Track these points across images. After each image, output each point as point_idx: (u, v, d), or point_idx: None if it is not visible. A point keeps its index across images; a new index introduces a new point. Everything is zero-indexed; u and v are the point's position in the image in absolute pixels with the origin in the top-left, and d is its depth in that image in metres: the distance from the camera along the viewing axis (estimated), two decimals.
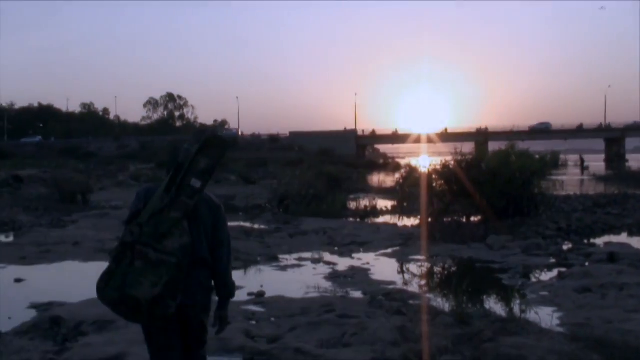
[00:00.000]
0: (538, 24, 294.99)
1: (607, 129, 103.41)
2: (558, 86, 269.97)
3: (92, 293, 8.60)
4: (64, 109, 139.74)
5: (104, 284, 3.79)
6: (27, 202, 25.34)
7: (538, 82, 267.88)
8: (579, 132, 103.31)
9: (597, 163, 77.38)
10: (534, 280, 10.55)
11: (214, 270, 4.06)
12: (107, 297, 3.77)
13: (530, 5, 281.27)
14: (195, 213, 3.88)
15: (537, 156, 22.25)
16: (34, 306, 8.71)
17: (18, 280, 10.62)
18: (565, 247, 13.43)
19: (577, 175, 51.18)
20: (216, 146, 3.90)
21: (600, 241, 14.52)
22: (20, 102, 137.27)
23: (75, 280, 11.01)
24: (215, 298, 4.11)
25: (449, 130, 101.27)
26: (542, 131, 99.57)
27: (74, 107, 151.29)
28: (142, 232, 3.68)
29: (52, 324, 7.57)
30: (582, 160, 69.00)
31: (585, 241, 14.41)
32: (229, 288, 4.13)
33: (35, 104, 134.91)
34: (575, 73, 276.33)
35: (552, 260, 12.03)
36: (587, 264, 11.46)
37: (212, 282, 4.08)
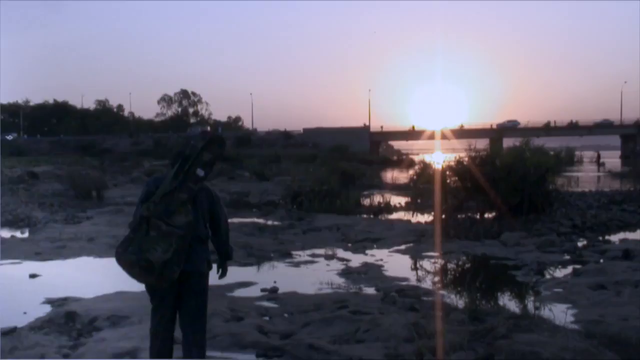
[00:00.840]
0: (554, 20, 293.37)
1: (623, 126, 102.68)
2: (571, 82, 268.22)
3: (107, 289, 8.77)
4: (78, 106, 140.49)
5: (122, 249, 4.63)
6: (42, 198, 25.49)
7: (553, 78, 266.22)
8: (595, 128, 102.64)
9: (613, 159, 76.90)
10: (548, 277, 10.51)
11: (216, 240, 5.19)
12: (125, 260, 4.60)
13: (545, 1, 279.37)
14: (196, 199, 4.86)
15: (551, 153, 22.15)
16: (49, 301, 8.76)
17: (33, 276, 10.70)
18: (579, 244, 13.36)
19: (592, 172, 50.86)
20: (218, 144, 4.97)
21: (615, 238, 14.44)
22: (36, 99, 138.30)
23: (89, 276, 11.07)
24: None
25: (463, 127, 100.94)
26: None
27: (89, 103, 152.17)
28: (156, 209, 4.63)
29: (67, 319, 7.62)
30: (599, 157, 68.53)
31: (600, 238, 14.31)
32: (228, 252, 5.32)
33: (51, 101, 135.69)
34: (589, 69, 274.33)
35: (567, 257, 11.98)
36: (601, 260, 11.40)
37: (207, 253, 5.06)
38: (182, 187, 4.72)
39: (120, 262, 4.64)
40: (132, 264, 4.57)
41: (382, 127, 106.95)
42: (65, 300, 8.74)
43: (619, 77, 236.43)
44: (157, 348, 5.03)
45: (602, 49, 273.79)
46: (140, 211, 4.69)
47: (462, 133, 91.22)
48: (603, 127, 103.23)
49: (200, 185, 4.86)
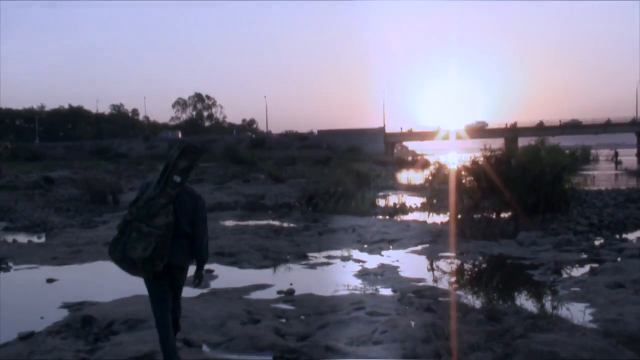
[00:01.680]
0: (567, 19, 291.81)
1: (637, 123, 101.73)
2: (587, 80, 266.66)
3: (123, 293, 8.83)
4: (93, 111, 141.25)
5: (112, 247, 5.37)
6: (58, 203, 25.66)
7: (568, 77, 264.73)
8: (609, 126, 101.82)
9: (629, 157, 76.36)
10: (565, 276, 10.45)
11: (193, 240, 5.56)
12: (114, 257, 5.36)
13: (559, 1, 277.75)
14: (180, 200, 5.47)
15: (567, 151, 22.02)
16: (66, 306, 8.81)
17: (50, 280, 10.75)
18: (597, 243, 13.27)
19: (608, 170, 50.52)
20: (191, 152, 5.54)
21: (632, 236, 14.34)
22: (51, 105, 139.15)
23: (106, 280, 11.09)
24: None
25: (478, 127, 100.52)
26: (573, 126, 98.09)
27: (104, 108, 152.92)
28: (139, 213, 5.31)
29: (84, 323, 7.65)
30: (617, 155, 67.96)
31: (618, 236, 14.22)
32: (203, 255, 5.65)
33: (66, 106, 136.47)
34: (604, 67, 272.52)
35: (584, 256, 11.90)
36: (619, 259, 11.32)
37: (192, 249, 5.58)
38: (163, 192, 5.38)
39: (111, 258, 5.43)
40: (119, 260, 5.34)
41: (402, 128, 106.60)
42: (82, 304, 8.79)
43: (634, 75, 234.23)
44: (168, 344, 5.60)
45: (618, 46, 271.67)
46: (126, 214, 5.40)
47: (476, 133, 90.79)
48: (617, 125, 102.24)
49: (179, 190, 5.44)
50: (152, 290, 5.56)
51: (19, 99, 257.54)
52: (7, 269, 11.83)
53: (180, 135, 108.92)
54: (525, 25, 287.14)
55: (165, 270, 5.39)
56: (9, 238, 16.08)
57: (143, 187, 5.58)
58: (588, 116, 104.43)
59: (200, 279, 5.76)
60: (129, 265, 5.30)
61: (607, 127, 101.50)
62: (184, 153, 5.48)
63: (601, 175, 40.12)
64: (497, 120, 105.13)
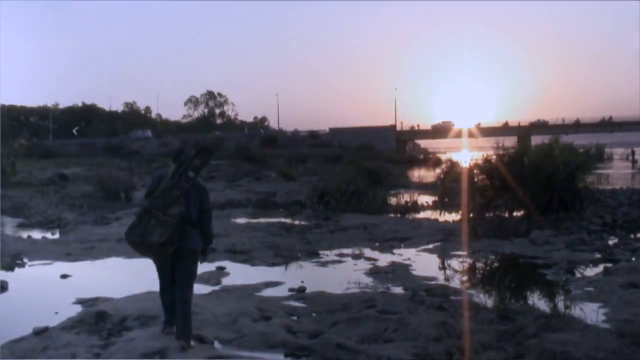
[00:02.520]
0: (583, 15, 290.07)
1: None
2: (601, 78, 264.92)
3: (136, 289, 8.89)
4: (106, 108, 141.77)
5: (129, 231, 6.21)
6: (71, 200, 25.79)
7: (583, 74, 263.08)
8: (625, 124, 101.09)
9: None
10: (578, 275, 10.41)
11: (200, 226, 6.46)
12: (131, 240, 6.23)
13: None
14: (189, 192, 6.28)
15: (581, 150, 21.90)
16: (80, 301, 8.84)
17: (64, 276, 10.81)
18: (610, 242, 13.21)
19: (622, 169, 50.23)
20: (205, 152, 6.41)
21: None
22: (64, 102, 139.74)
23: (119, 276, 11.16)
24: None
25: (490, 125, 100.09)
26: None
27: (117, 106, 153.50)
28: (156, 202, 6.12)
29: (97, 318, 7.69)
30: (634, 153, 67.32)
31: (632, 236, 14.15)
32: (209, 238, 6.67)
33: (79, 104, 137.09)
34: (620, 65, 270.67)
35: (598, 256, 11.84)
36: (633, 259, 11.27)
37: (199, 235, 6.47)
38: (177, 185, 6.16)
39: (128, 242, 6.32)
40: (136, 244, 6.23)
41: (415, 125, 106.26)
42: (95, 300, 8.82)
43: None
44: (170, 298, 6.59)
45: (630, 44, 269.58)
46: (144, 203, 6.29)
47: (488, 131, 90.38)
48: (631, 124, 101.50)
49: (192, 184, 6.27)
50: (158, 265, 6.62)
51: (33, 96, 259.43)
52: (22, 265, 11.90)
53: (150, 134, 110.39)
54: (540, 22, 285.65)
55: (174, 253, 6.28)
56: (24, 234, 16.20)
57: (155, 179, 6.45)
58: (605, 114, 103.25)
59: (205, 256, 6.83)
60: (144, 248, 6.23)
61: (623, 125, 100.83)
62: (199, 152, 6.30)
63: (615, 174, 39.90)
64: (511, 119, 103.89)
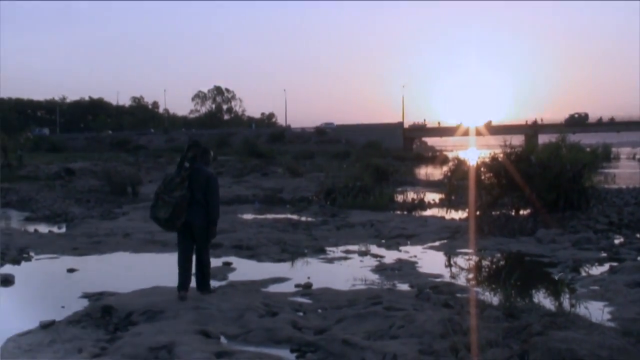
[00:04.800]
0: (591, 14, 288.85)
1: None
2: (609, 77, 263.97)
3: (143, 283, 8.97)
4: (114, 103, 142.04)
5: (150, 210, 8.22)
6: (78, 194, 25.91)
7: (591, 74, 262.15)
8: (632, 124, 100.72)
9: None
10: (584, 274, 10.40)
11: (207, 205, 8.18)
12: (151, 217, 8.23)
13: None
14: (195, 178, 8.16)
15: (588, 149, 21.83)
16: (86, 295, 8.89)
17: (71, 270, 10.86)
18: (616, 241, 13.18)
19: (629, 168, 50.06)
20: (194, 146, 8.42)
21: None
22: (72, 96, 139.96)
23: (125, 271, 11.21)
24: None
25: (497, 123, 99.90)
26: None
27: (124, 100, 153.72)
28: (165, 188, 8.06)
29: (104, 313, 7.73)
30: None
31: (638, 235, 14.10)
32: (214, 215, 8.28)
33: (86, 98, 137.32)
34: (627, 64, 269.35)
35: (603, 255, 11.83)
36: (639, 258, 11.25)
37: (206, 212, 8.20)
38: (178, 174, 8.13)
39: (151, 218, 8.29)
40: (153, 219, 8.24)
41: (424, 120, 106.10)
42: (102, 294, 8.87)
43: None
44: (183, 263, 8.30)
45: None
46: (156, 190, 8.20)
47: (495, 129, 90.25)
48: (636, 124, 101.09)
49: (190, 172, 8.18)
50: (178, 239, 8.39)
51: (40, 90, 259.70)
52: (29, 259, 11.96)
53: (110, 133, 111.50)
54: (548, 20, 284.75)
55: (186, 227, 8.16)
56: (31, 228, 16.26)
57: (167, 172, 8.79)
58: (612, 114, 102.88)
59: (211, 233, 8.38)
60: (158, 223, 8.16)
61: (630, 125, 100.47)
62: (190, 147, 8.37)
63: (622, 173, 39.76)
64: (518, 117, 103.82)
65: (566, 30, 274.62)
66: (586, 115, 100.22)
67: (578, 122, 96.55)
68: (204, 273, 8.45)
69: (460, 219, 17.70)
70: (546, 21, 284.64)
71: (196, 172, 8.18)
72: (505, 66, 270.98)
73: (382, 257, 12.14)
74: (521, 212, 17.21)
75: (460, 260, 11.86)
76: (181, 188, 7.97)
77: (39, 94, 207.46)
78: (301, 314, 7.87)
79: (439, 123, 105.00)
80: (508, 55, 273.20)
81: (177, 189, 7.95)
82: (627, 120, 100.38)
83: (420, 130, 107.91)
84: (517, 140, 20.67)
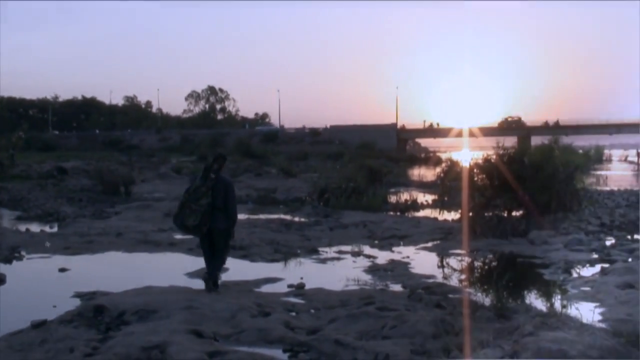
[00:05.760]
0: (581, 17, 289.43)
1: None
2: (601, 79, 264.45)
3: (135, 283, 8.97)
4: (107, 102, 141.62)
5: (175, 219, 9.02)
6: (70, 193, 25.85)
7: (582, 76, 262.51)
8: (624, 126, 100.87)
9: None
10: (575, 275, 10.45)
11: (227, 211, 8.91)
12: (176, 224, 9.07)
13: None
14: (216, 186, 8.83)
15: (580, 151, 21.90)
16: (78, 295, 8.90)
17: (62, 270, 10.86)
18: (608, 243, 13.23)
19: (621, 170, 50.24)
20: (221, 159, 9.09)
21: None
22: (64, 95, 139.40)
23: (118, 271, 11.21)
24: None
25: (490, 125, 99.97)
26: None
27: (117, 99, 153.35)
28: (191, 197, 8.75)
29: (96, 312, 7.73)
30: (638, 155, 66.82)
31: (629, 237, 14.15)
32: (233, 219, 9.10)
33: (79, 97, 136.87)
34: (617, 66, 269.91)
35: (595, 256, 11.89)
36: (630, 259, 11.29)
37: (226, 218, 8.93)
38: (204, 184, 8.79)
39: (174, 225, 9.33)
40: (179, 227, 9.06)
41: (427, 122, 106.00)
42: (94, 294, 8.88)
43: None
44: (207, 262, 9.18)
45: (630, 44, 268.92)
46: (182, 198, 8.94)
47: (488, 131, 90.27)
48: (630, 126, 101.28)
49: (215, 181, 8.83)
50: (201, 240, 9.19)
51: (32, 89, 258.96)
52: (20, 258, 11.95)
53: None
54: (543, 22, 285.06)
55: (208, 231, 8.89)
56: (22, 227, 16.22)
57: (192, 179, 9.24)
58: (602, 117, 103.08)
59: (232, 233, 9.31)
60: (185, 229, 9.01)
61: (622, 127, 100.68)
62: (216, 159, 9.01)
63: (614, 175, 39.90)
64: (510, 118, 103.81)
65: (558, 34, 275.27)
66: (519, 119, 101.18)
67: (510, 125, 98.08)
68: (219, 266, 9.31)
69: (452, 220, 17.73)
70: (541, 23, 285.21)
71: (217, 180, 8.89)
72: (499, 69, 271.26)
73: (374, 257, 12.16)
74: (514, 213, 17.23)
75: (453, 261, 11.90)
76: (207, 196, 8.71)
77: (31, 93, 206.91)
78: (294, 314, 7.89)
79: (437, 124, 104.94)
80: (502, 57, 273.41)
81: (203, 198, 8.70)
82: (574, 124, 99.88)
83: (415, 131, 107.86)
84: (510, 142, 20.70)
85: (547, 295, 9.10)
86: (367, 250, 12.99)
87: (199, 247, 11.92)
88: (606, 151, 76.76)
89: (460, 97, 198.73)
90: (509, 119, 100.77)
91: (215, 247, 9.04)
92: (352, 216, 18.34)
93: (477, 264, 11.92)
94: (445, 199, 21.29)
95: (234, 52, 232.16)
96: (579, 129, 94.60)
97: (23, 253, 12.30)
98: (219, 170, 8.92)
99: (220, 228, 8.88)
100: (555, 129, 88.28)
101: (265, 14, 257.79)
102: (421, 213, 20.31)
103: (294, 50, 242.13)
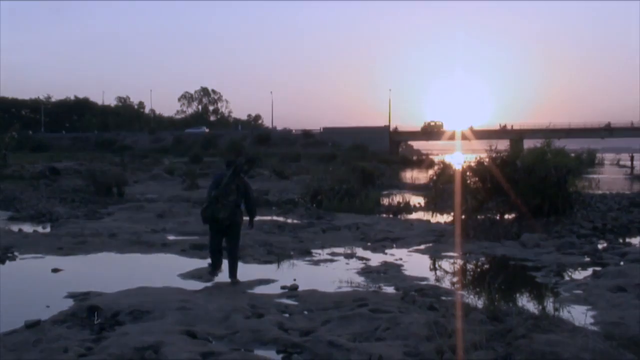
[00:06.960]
0: (572, 19, 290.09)
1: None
2: (595, 83, 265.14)
3: (128, 284, 8.94)
4: (99, 103, 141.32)
5: (204, 211, 9.76)
6: (63, 194, 25.75)
7: (576, 79, 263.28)
8: (615, 130, 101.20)
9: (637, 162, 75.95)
10: (567, 278, 10.49)
11: (247, 207, 9.96)
12: (205, 216, 9.76)
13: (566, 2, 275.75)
14: (238, 186, 9.67)
15: (572, 154, 21.95)
16: (72, 295, 8.87)
17: (55, 270, 10.83)
18: (600, 246, 13.29)
19: (613, 174, 50.37)
20: (252, 161, 11.15)
21: (636, 240, 14.36)
22: (57, 95, 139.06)
23: (111, 271, 11.20)
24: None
25: (483, 128, 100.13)
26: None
27: (110, 100, 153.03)
28: (220, 193, 9.58)
29: (89, 313, 7.72)
30: (632, 158, 66.84)
31: (621, 240, 14.24)
32: (254, 213, 10.13)
33: (72, 97, 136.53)
34: (612, 69, 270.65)
35: (587, 259, 11.94)
36: (622, 263, 11.34)
37: (244, 211, 9.97)
38: (234, 182, 9.67)
39: (202, 217, 9.87)
40: (207, 218, 9.75)
41: (429, 122, 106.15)
42: (87, 294, 8.85)
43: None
44: (215, 256, 10.08)
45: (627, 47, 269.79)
46: (213, 193, 9.69)
47: (481, 134, 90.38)
48: (621, 130, 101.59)
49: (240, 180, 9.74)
50: (211, 232, 10.01)
51: (25, 89, 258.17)
52: (13, 258, 11.91)
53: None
54: (536, 25, 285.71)
55: (220, 223, 9.71)
56: (15, 227, 16.17)
57: (217, 177, 10.02)
58: (594, 120, 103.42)
59: (252, 225, 10.19)
60: (212, 221, 9.73)
61: (613, 131, 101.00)
62: (248, 161, 10.29)
63: (606, 179, 40.03)
64: (503, 122, 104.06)
65: (552, 36, 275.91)
66: (441, 124, 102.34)
67: (432, 130, 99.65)
68: (235, 262, 10.07)
69: (445, 222, 17.79)
70: (535, 26, 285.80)
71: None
72: (491, 72, 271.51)
73: (367, 259, 12.18)
74: (506, 216, 17.32)
75: (446, 264, 11.92)
76: (234, 193, 9.66)
77: (24, 93, 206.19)
78: (287, 315, 7.90)
79: (441, 124, 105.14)
80: (494, 61, 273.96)
81: (231, 195, 9.62)
82: (527, 127, 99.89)
83: (408, 134, 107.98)
84: (503, 145, 20.78)
85: (540, 298, 9.14)
86: (360, 252, 13.01)
87: (192, 249, 12.88)
88: (598, 154, 76.84)
89: (453, 99, 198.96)
90: (432, 124, 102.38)
91: (229, 240, 9.97)
92: (345, 218, 18.35)
93: (470, 266, 11.95)
94: (438, 201, 21.40)
95: (227, 54, 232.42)
96: (571, 132, 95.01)
97: (16, 253, 12.26)
98: (249, 172, 10.21)
99: (238, 222, 9.92)
100: (545, 131, 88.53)
101: (258, 15, 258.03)
102: (414, 215, 20.34)
103: (288, 52, 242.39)
